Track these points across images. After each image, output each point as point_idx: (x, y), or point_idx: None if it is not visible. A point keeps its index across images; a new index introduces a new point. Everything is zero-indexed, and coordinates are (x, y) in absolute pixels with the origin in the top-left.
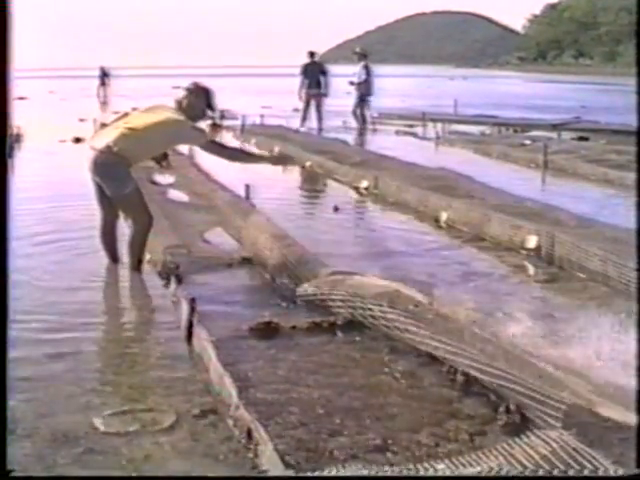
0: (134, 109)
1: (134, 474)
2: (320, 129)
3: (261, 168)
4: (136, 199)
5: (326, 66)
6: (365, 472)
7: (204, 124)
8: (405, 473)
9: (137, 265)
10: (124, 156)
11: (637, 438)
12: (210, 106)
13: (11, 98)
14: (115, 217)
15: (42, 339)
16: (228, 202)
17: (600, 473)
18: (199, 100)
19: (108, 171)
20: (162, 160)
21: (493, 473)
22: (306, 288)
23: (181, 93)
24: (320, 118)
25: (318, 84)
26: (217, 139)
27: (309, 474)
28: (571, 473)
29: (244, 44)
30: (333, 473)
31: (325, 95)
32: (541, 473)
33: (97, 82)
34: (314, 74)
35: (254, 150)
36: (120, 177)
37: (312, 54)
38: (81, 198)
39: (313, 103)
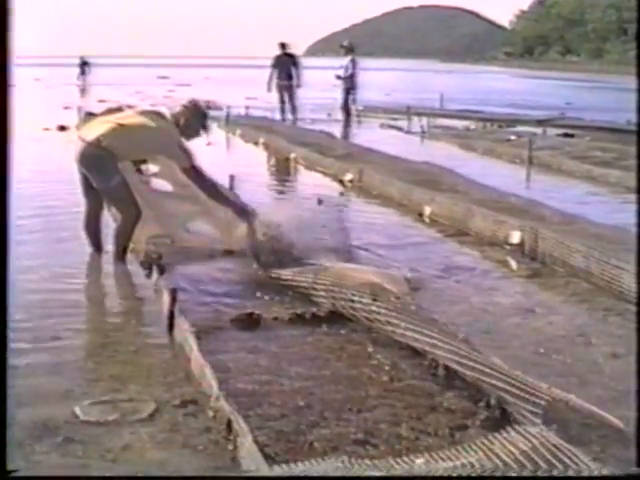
0: (129, 106)
1: (113, 464)
2: (295, 119)
3: (247, 160)
4: (122, 192)
5: (298, 57)
6: (345, 465)
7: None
8: (384, 467)
9: (121, 255)
10: (111, 151)
11: (637, 438)
12: (204, 127)
13: (12, 105)
14: (100, 208)
15: (22, 327)
16: None
17: (586, 472)
18: (196, 120)
19: (95, 163)
20: (139, 165)
21: (488, 473)
22: (286, 275)
23: (177, 108)
24: (294, 109)
25: (289, 76)
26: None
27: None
28: (570, 473)
29: (230, 35)
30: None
31: (297, 86)
32: (540, 473)
33: (78, 71)
34: (285, 66)
35: (228, 195)
36: (106, 170)
37: (283, 45)
38: (65, 185)
39: (286, 95)
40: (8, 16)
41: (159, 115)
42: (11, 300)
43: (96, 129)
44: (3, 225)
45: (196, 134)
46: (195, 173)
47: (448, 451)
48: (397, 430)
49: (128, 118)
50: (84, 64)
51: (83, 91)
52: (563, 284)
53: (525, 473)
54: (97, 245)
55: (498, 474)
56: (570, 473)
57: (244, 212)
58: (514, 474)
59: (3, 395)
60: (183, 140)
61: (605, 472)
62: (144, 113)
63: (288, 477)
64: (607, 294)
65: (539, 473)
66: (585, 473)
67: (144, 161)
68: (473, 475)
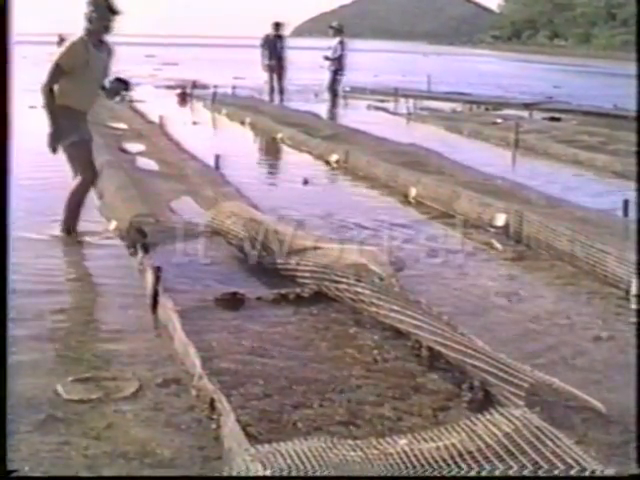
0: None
1: (96, 441)
2: (282, 100)
3: (234, 139)
4: (78, 152)
5: (284, 37)
6: (328, 444)
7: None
8: (367, 447)
9: (67, 229)
10: (63, 104)
11: (637, 438)
12: (112, 10)
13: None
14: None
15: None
16: (198, 171)
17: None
18: (99, 14)
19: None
20: (116, 92)
21: (485, 473)
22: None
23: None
24: (282, 90)
25: (279, 56)
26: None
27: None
28: (572, 473)
29: (218, 14)
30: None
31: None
32: (541, 473)
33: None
34: (275, 46)
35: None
36: (64, 128)
37: (277, 25)
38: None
39: (274, 75)
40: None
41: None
42: None
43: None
44: (3, 225)
45: (107, 22)
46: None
47: (431, 432)
48: (380, 410)
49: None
50: (62, 41)
51: None
52: (548, 267)
53: (525, 472)
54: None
55: (497, 473)
56: (572, 473)
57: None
58: (513, 474)
59: (3, 395)
60: (81, 43)
61: (606, 472)
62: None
63: (288, 477)
64: (591, 277)
65: (540, 473)
66: (586, 473)
67: (122, 84)
68: (472, 475)
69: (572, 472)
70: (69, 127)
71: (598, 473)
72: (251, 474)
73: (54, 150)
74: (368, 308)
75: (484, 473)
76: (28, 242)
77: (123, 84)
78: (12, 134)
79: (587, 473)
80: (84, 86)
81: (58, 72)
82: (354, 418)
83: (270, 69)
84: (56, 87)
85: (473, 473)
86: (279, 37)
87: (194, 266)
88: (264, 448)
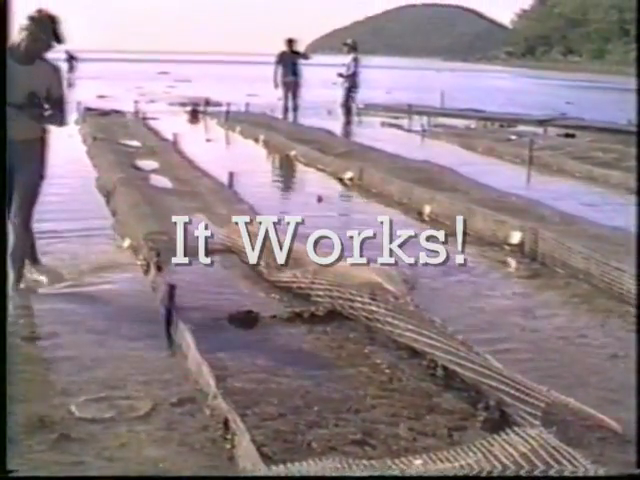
0: None
1: (109, 461)
2: (295, 117)
3: (247, 157)
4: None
5: (303, 54)
6: (343, 465)
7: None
8: (382, 467)
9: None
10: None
11: (637, 438)
12: (57, 36)
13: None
14: None
15: (18, 322)
16: (211, 189)
17: (591, 473)
18: (42, 29)
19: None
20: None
21: (485, 473)
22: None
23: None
24: (296, 107)
25: (294, 73)
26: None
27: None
28: (566, 473)
29: (231, 31)
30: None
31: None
32: (537, 473)
33: (66, 66)
34: (290, 62)
35: None
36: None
37: (290, 42)
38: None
39: (289, 92)
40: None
41: None
42: None
43: None
44: (3, 230)
45: (47, 46)
46: None
47: (447, 452)
48: (395, 430)
49: None
50: (71, 58)
51: (70, 87)
52: (563, 285)
53: (522, 473)
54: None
55: (495, 474)
56: (565, 474)
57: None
58: (513, 474)
59: (3, 396)
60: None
61: (605, 473)
62: None
63: (288, 477)
64: (607, 295)
65: (537, 473)
66: (588, 473)
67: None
68: (472, 474)
69: (565, 472)
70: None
71: (598, 473)
72: None
73: None
74: (383, 327)
75: (484, 473)
76: None
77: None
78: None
79: (589, 473)
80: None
81: None
82: (369, 438)
83: (286, 86)
84: None
85: (473, 473)
86: (295, 54)
87: (207, 284)
88: (279, 468)
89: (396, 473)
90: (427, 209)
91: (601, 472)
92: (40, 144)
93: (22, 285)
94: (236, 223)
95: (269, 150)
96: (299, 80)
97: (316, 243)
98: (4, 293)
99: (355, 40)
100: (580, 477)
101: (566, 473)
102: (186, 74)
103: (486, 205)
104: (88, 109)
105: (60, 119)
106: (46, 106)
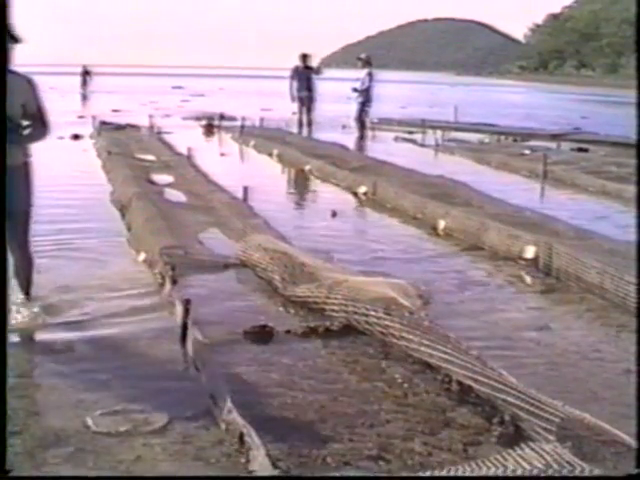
0: None
1: (125, 475)
2: (310, 132)
3: (261, 171)
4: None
5: (315, 69)
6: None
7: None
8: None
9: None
10: None
11: (637, 438)
12: (13, 37)
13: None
14: None
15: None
16: (226, 203)
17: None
18: None
19: None
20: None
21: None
22: (302, 290)
23: None
24: (310, 121)
25: (308, 88)
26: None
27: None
28: (564, 473)
29: (245, 46)
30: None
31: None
32: (536, 473)
33: (80, 80)
34: (304, 77)
35: None
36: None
37: (305, 57)
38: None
39: (304, 107)
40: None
41: None
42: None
43: None
44: (2, 229)
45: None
46: None
47: (462, 467)
48: (410, 445)
49: None
50: (86, 73)
51: (84, 100)
52: (577, 300)
53: (525, 473)
54: None
55: (499, 473)
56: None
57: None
58: (512, 474)
59: (3, 396)
60: None
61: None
62: None
63: (288, 477)
64: (621, 310)
65: (536, 473)
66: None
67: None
68: (472, 475)
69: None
70: None
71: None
72: None
73: None
74: (397, 342)
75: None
76: None
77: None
78: None
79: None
80: None
81: None
82: (384, 453)
83: (300, 101)
84: None
85: (474, 473)
86: (308, 69)
87: (222, 298)
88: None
89: None
90: (441, 224)
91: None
92: (24, 170)
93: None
94: None
95: (283, 164)
96: (313, 95)
97: (331, 258)
98: (4, 294)
99: (369, 55)
100: (580, 477)
101: (565, 473)
102: (200, 88)
103: (500, 220)
104: (103, 123)
105: (42, 133)
106: (25, 123)
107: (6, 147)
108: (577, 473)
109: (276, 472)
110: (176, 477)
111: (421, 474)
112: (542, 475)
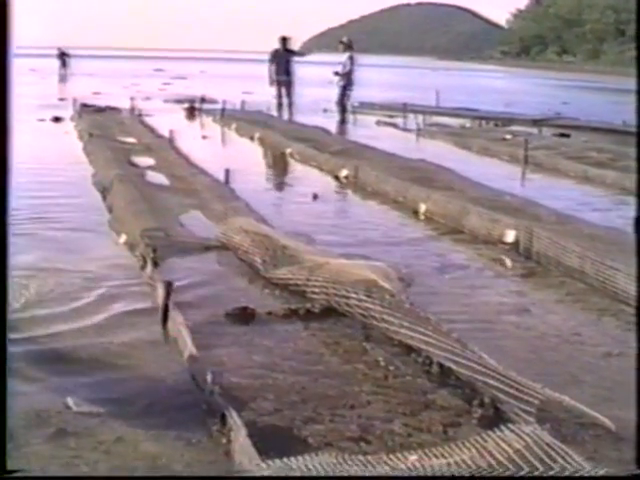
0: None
1: (105, 455)
2: (291, 115)
3: (243, 154)
4: None
5: (299, 52)
6: (338, 460)
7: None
8: (377, 463)
9: None
10: None
11: (637, 438)
12: None
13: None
14: None
15: (13, 318)
16: (207, 186)
17: (592, 473)
18: None
19: None
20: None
21: (486, 473)
22: (283, 273)
23: None
24: (291, 105)
25: (287, 71)
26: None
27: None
28: (566, 473)
29: (227, 29)
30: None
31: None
32: (537, 473)
33: (58, 62)
34: (283, 60)
35: None
36: None
37: (284, 39)
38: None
39: (283, 90)
40: (8, 9)
41: None
42: None
43: None
44: (3, 224)
45: None
46: None
47: (441, 448)
48: (391, 426)
49: None
50: (63, 55)
51: (62, 82)
52: (558, 284)
53: (522, 473)
54: None
55: (495, 474)
56: (566, 473)
57: None
58: (512, 474)
59: (3, 395)
60: None
61: (605, 473)
62: None
63: (288, 477)
64: (601, 294)
65: (537, 473)
66: (587, 473)
67: None
68: (471, 475)
69: (566, 472)
70: None
71: (598, 473)
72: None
73: None
74: (378, 324)
75: (484, 473)
76: None
77: None
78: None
79: (584, 473)
80: None
81: None
82: (365, 434)
83: (279, 84)
84: None
85: (472, 474)
86: (288, 52)
87: (204, 280)
88: (275, 463)
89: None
90: (422, 207)
91: (601, 472)
92: None
93: None
94: None
95: (265, 148)
96: (292, 78)
97: (312, 241)
98: (4, 294)
99: (351, 38)
100: (580, 477)
101: (566, 473)
102: (182, 71)
103: (481, 204)
104: (84, 105)
105: None
106: None
107: None
108: (578, 473)
109: (258, 456)
110: (176, 477)
111: (421, 473)
112: (545, 475)
